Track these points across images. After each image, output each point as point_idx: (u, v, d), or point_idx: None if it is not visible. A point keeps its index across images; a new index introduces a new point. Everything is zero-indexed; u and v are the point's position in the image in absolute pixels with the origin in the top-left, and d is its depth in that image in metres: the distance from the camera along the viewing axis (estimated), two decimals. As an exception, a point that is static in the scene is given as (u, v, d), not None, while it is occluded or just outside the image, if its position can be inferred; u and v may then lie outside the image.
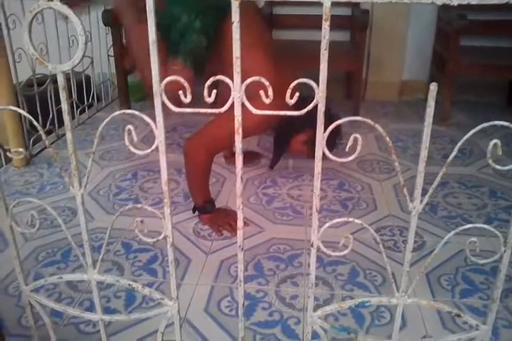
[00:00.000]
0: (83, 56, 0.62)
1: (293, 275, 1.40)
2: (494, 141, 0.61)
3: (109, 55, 2.90)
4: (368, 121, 0.62)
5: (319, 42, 0.57)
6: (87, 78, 2.80)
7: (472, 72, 2.57)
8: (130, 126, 0.69)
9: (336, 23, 2.66)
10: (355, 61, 2.61)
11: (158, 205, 1.77)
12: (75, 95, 2.63)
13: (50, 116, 2.35)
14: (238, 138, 0.66)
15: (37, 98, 2.22)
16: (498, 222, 1.66)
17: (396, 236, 1.58)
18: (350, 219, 0.76)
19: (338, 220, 0.74)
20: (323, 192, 1.88)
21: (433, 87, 0.58)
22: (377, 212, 1.74)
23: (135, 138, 0.69)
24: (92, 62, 2.77)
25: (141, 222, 0.78)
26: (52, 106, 2.35)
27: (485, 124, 0.59)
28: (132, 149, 0.69)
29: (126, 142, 0.68)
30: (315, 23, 2.24)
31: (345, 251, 0.72)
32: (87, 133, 2.52)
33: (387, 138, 0.62)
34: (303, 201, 1.82)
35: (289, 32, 2.97)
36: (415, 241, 1.53)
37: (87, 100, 2.78)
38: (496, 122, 0.59)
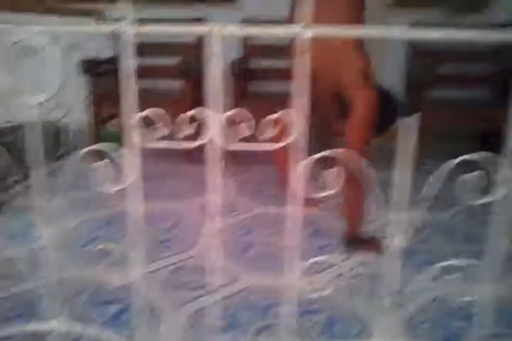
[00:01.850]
0: (57, 90, 0.62)
1: (269, 325, 1.34)
2: (464, 176, 0.62)
3: (85, 104, 2.91)
4: (346, 158, 0.62)
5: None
6: (62, 127, 2.79)
7: (440, 123, 2.66)
8: (103, 162, 0.67)
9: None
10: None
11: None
12: (48, 144, 2.60)
13: (20, 164, 2.30)
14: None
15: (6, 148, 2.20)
16: (474, 267, 1.65)
17: (373, 283, 1.55)
18: (332, 260, 0.74)
19: (314, 260, 0.72)
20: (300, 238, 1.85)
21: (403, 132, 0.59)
22: (354, 259, 1.72)
23: (106, 178, 0.67)
24: (67, 111, 2.78)
25: (109, 265, 0.75)
26: (22, 155, 2.31)
27: (450, 164, 0.60)
28: (101, 187, 0.67)
29: (97, 179, 0.66)
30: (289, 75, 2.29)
31: (325, 292, 0.70)
32: (59, 181, 2.47)
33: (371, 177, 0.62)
34: (280, 248, 1.79)
35: (266, 84, 3.05)
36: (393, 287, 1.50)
37: (61, 149, 2.75)
38: (460, 158, 0.60)
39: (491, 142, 3.09)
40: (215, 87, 0.58)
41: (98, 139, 2.82)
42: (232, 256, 1.74)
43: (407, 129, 0.59)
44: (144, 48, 2.93)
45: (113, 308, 1.40)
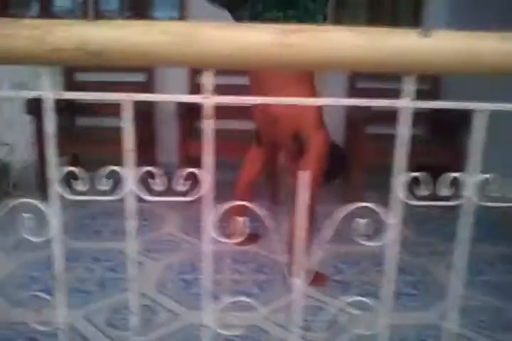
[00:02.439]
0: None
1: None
2: (358, 219, 0.70)
3: (31, 143, 2.90)
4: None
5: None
6: (6, 165, 2.77)
7: (377, 157, 2.80)
8: (27, 215, 0.71)
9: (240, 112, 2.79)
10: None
11: (71, 294, 1.71)
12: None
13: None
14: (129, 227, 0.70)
15: None
16: (406, 297, 1.75)
17: (308, 316, 1.59)
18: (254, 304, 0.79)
19: (232, 300, 0.77)
20: (241, 274, 1.90)
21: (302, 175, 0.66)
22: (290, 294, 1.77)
23: (31, 225, 0.71)
24: (11, 150, 2.76)
25: (37, 311, 0.78)
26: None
27: (347, 209, 0.68)
28: (27, 236, 0.71)
29: (23, 230, 0.70)
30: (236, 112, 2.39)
31: (238, 332, 0.75)
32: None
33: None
34: (222, 285, 1.82)
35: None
36: (327, 320, 1.57)
37: (6, 188, 2.72)
38: (355, 205, 0.68)
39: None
40: (129, 147, 0.65)
41: (43, 178, 2.80)
42: (174, 293, 1.76)
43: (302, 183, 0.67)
44: (90, 88, 2.98)
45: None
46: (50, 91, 0.64)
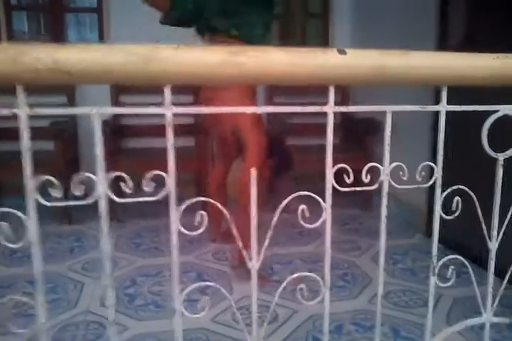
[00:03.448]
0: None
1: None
2: (302, 206, 0.83)
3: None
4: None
5: (164, 149, 0.75)
6: None
7: (302, 166, 3.00)
8: (2, 223, 0.77)
9: (182, 130, 2.89)
10: (201, 163, 2.90)
11: (12, 320, 1.69)
12: None
13: None
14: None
15: None
16: (337, 288, 1.92)
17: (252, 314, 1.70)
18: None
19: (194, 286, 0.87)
20: (183, 283, 1.97)
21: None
22: (233, 297, 1.88)
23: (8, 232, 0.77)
24: None
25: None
26: None
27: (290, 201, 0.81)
28: (4, 242, 0.77)
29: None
30: (161, 131, 2.46)
31: (202, 313, 0.85)
32: None
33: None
34: (165, 295, 1.88)
35: (136, 140, 3.18)
36: (268, 315, 1.69)
37: None
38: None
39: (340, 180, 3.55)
40: (99, 155, 0.74)
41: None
42: (120, 307, 1.80)
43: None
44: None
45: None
46: (23, 108, 0.71)
